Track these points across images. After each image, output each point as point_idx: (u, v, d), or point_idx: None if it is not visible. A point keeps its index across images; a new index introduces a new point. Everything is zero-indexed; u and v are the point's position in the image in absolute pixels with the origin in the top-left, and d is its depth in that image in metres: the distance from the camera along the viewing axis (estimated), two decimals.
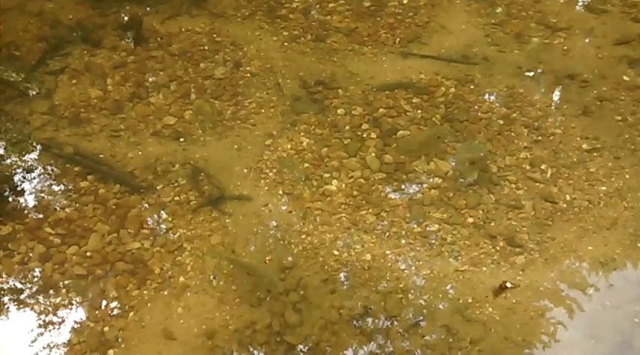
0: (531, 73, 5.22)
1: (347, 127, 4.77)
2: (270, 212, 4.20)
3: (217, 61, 5.26)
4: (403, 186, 4.41)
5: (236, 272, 3.87)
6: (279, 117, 4.84)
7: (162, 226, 4.10)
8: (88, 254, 3.93)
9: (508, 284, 3.76)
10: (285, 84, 5.10)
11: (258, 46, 5.40)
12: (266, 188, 4.35)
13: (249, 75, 5.17)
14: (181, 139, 4.62)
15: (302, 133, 4.73)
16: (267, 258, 3.94)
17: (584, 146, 4.64)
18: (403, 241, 4.08)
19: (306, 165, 4.51)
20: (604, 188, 4.34)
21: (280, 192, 4.34)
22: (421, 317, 3.70)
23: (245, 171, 4.44)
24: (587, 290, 3.81)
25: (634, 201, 4.26)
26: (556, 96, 5.05)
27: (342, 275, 3.89)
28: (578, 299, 3.77)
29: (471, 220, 4.18)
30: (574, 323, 3.66)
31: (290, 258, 3.95)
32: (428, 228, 4.14)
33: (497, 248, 4.02)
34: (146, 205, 4.21)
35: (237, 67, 5.23)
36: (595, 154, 4.58)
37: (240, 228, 4.11)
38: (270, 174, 4.44)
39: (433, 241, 4.07)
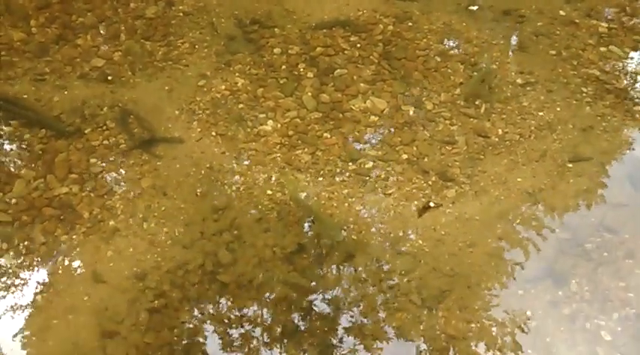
0: (469, 9, 5.17)
1: (283, 67, 4.68)
2: (203, 153, 4.13)
3: (148, 0, 5.06)
4: (339, 125, 4.37)
5: (168, 214, 3.82)
6: (212, 57, 4.71)
7: (91, 170, 4.00)
8: (14, 201, 3.82)
9: (431, 204, 3.84)
10: (220, 23, 4.94)
11: None
12: (198, 129, 4.26)
13: (181, 14, 4.99)
14: (109, 78, 4.46)
15: (237, 74, 4.62)
16: (198, 193, 3.89)
17: (519, 81, 4.67)
18: (337, 179, 4.07)
19: (240, 105, 4.43)
20: (535, 121, 4.39)
21: (213, 133, 4.26)
22: (353, 252, 3.74)
23: (177, 112, 4.34)
24: (515, 220, 3.89)
25: (563, 133, 4.33)
26: (493, 32, 5.03)
27: (275, 214, 3.88)
28: (505, 230, 3.85)
29: (405, 157, 4.20)
30: (500, 252, 3.75)
31: (223, 199, 3.92)
32: (363, 166, 4.15)
33: (430, 182, 4.05)
34: (74, 150, 4.08)
35: (169, 6, 5.04)
36: (528, 88, 4.61)
37: (172, 170, 4.03)
38: (203, 115, 4.35)
39: (367, 178, 4.08)
